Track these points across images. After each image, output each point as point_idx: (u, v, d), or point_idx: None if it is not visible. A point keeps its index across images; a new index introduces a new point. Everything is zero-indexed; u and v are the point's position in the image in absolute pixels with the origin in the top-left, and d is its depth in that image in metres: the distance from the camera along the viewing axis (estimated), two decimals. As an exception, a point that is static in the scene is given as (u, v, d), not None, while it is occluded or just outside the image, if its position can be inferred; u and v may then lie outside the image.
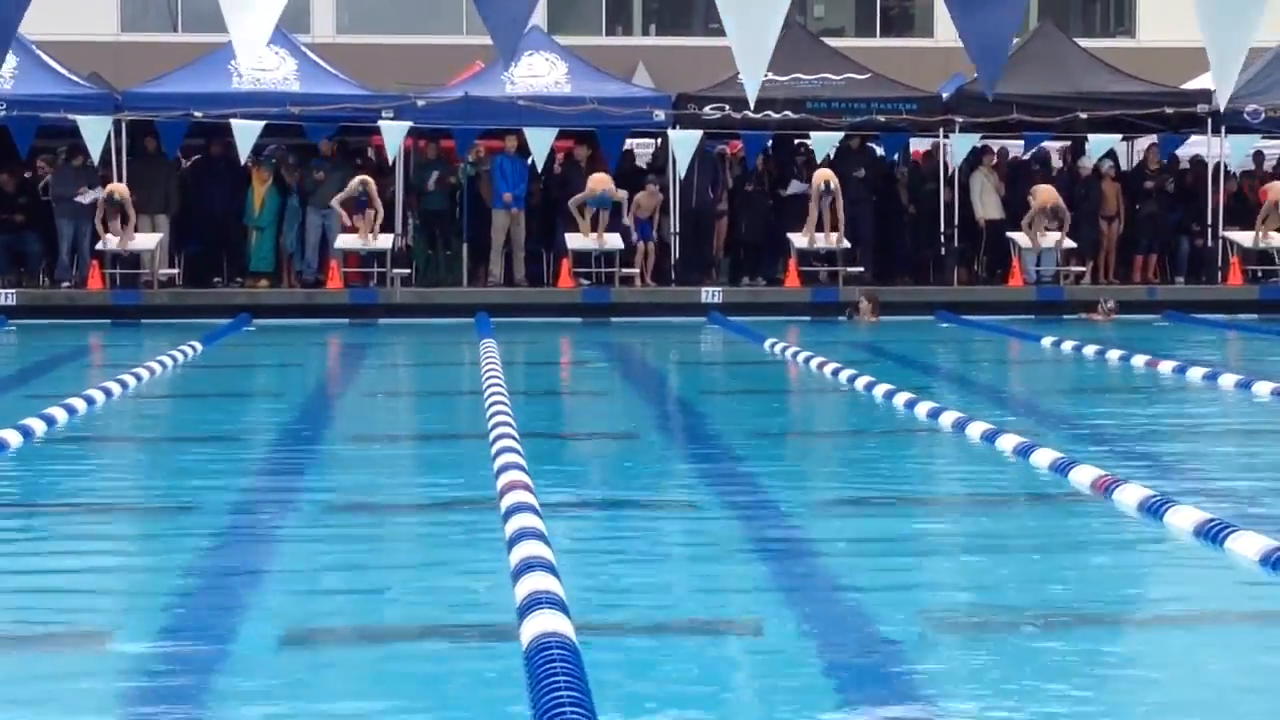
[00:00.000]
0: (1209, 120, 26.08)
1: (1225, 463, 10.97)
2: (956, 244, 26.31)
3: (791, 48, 26.63)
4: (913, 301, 24.63)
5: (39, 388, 15.19)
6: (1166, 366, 16.14)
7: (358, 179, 24.17)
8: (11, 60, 24.47)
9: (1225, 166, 26.71)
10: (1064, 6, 38.06)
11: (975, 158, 26.50)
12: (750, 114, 24.01)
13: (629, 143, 27.55)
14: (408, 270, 25.09)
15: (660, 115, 25.36)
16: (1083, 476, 9.40)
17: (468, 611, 6.70)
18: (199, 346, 18.45)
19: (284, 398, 15.29)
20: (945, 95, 26.47)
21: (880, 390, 13.87)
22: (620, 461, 11.24)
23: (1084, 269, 26.09)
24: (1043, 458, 10.05)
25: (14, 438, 10.96)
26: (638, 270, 25.33)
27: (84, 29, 33.20)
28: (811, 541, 8.18)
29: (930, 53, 34.33)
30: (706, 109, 25.39)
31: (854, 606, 6.77)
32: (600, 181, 24.48)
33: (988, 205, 26.35)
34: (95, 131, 23.89)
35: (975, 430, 11.31)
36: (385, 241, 24.58)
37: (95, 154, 24.05)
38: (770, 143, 26.70)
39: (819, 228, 24.92)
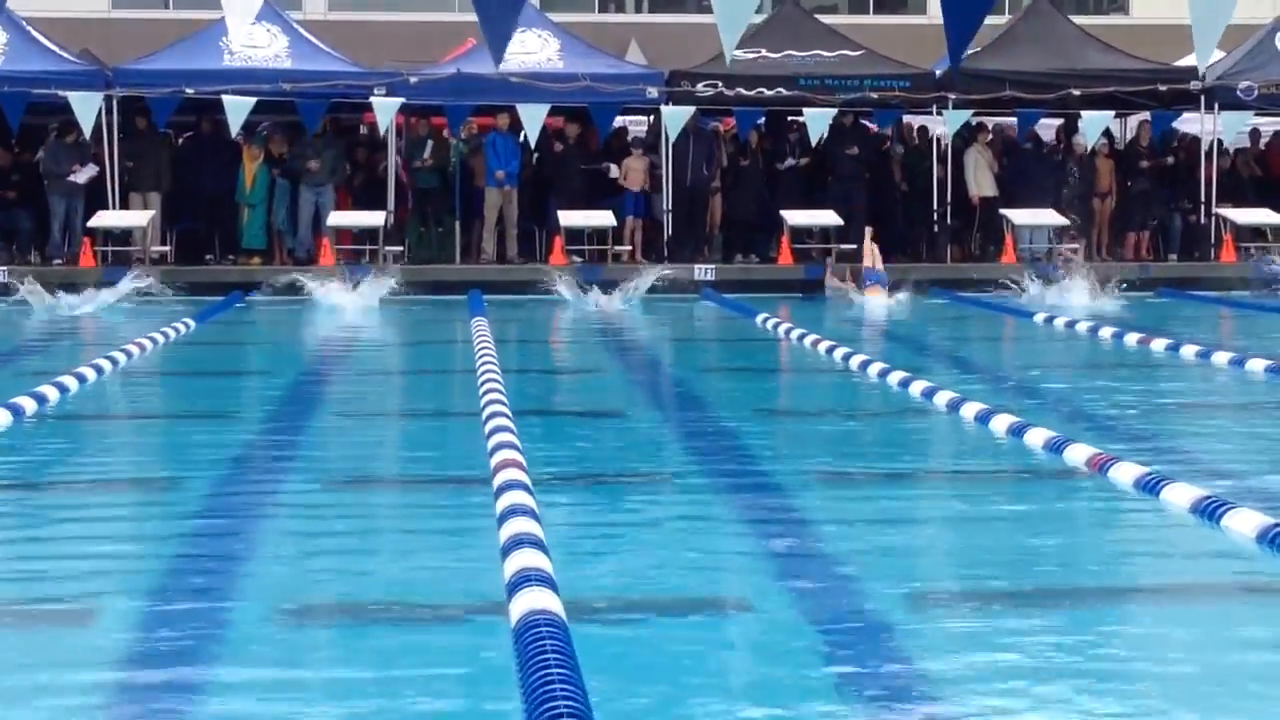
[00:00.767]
0: (1202, 97, 26.06)
1: (1220, 439, 10.96)
2: (950, 221, 26.28)
3: (784, 24, 26.67)
4: (906, 279, 24.57)
5: (30, 365, 15.16)
6: (1159, 344, 16.13)
7: None
8: (2, 36, 24.46)
9: (1219, 143, 26.68)
10: (1057, -17, 38.01)
11: (970, 135, 26.47)
12: (743, 91, 24.02)
13: (620, 119, 27.50)
14: (400, 247, 25.05)
15: (653, 92, 25.30)
16: (1077, 454, 9.38)
17: (458, 588, 6.68)
18: (191, 323, 18.41)
19: (276, 375, 15.26)
20: (938, 72, 26.40)
21: (875, 368, 13.85)
22: (612, 438, 11.21)
23: (1077, 246, 26.07)
24: (1037, 436, 10.03)
25: (5, 416, 10.93)
26: (629, 247, 25.31)
27: (75, 6, 33.09)
28: (803, 517, 8.18)
29: (923, 29, 34.22)
30: (699, 86, 25.34)
31: (845, 582, 6.76)
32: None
33: (981, 182, 26.32)
34: (87, 108, 23.81)
35: (969, 409, 11.29)
36: (377, 218, 24.54)
37: (87, 130, 23.98)
38: (763, 120, 26.65)
39: (815, 205, 24.97)
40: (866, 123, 26.92)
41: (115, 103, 24.37)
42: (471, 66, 25.13)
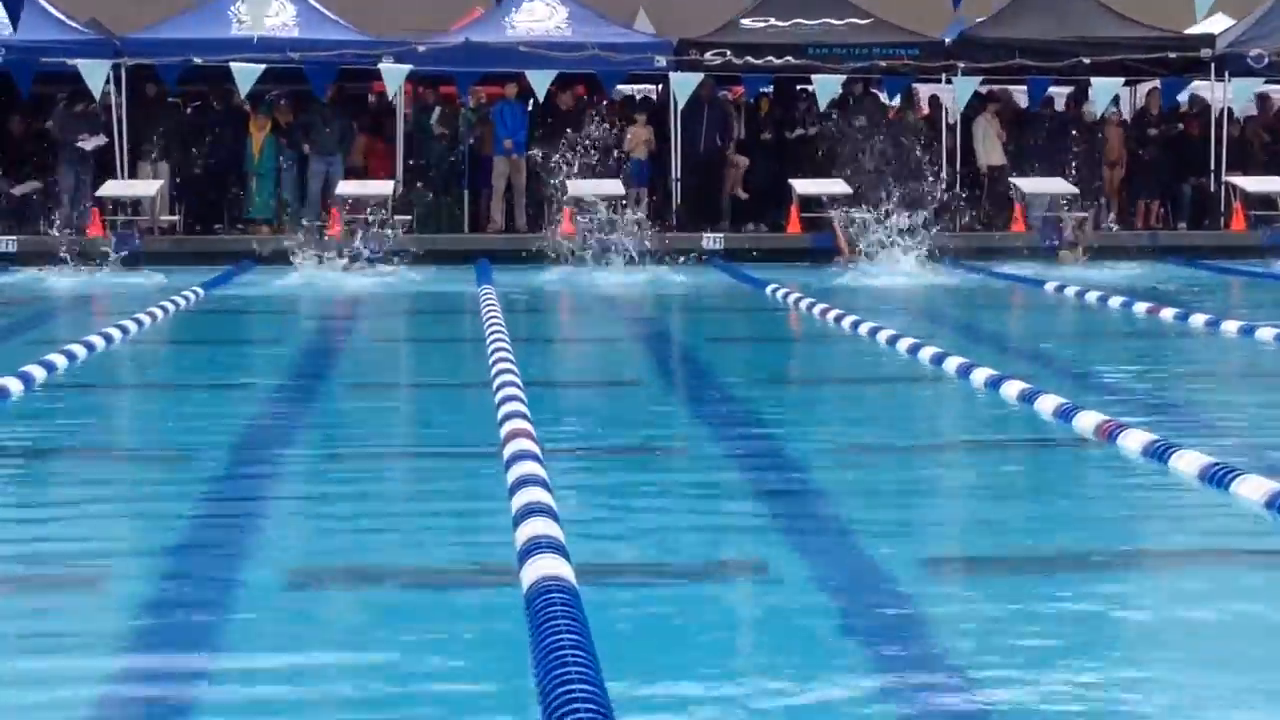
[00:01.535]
0: (1212, 65, 25.99)
1: (1229, 407, 10.95)
2: (958, 189, 26.22)
3: (794, -8, 26.60)
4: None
5: (40, 334, 15.18)
6: (1168, 312, 16.10)
7: None
8: (11, 6, 24.44)
9: (1229, 111, 26.61)
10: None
11: (979, 103, 26.39)
12: (751, 59, 23.96)
13: (628, 88, 27.47)
14: (408, 217, 25.02)
15: (661, 61, 25.25)
16: (1086, 422, 9.37)
17: (469, 557, 6.70)
18: (200, 292, 18.42)
19: (283, 345, 15.27)
20: (947, 40, 26.34)
21: (883, 335, 13.84)
22: (622, 407, 11.21)
23: (1086, 215, 26.01)
24: (1046, 403, 10.02)
25: (15, 384, 10.94)
26: (638, 216, 25.24)
27: (83, -25, 33.00)
28: (814, 486, 8.18)
29: (933, -3, 34.15)
30: (708, 54, 25.28)
31: (856, 551, 6.76)
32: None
33: (990, 151, 26.26)
34: (96, 75, 23.81)
35: (979, 376, 11.28)
36: (385, 188, 24.51)
37: (97, 96, 23.97)
38: (771, 88, 26.59)
39: (820, 174, 24.94)
40: (876, 91, 26.87)
41: (124, 71, 24.36)
42: (480, 35, 25.10)
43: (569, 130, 24.08)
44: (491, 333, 13.84)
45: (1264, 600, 6.12)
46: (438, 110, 25.46)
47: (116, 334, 14.18)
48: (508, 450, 8.28)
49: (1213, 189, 26.44)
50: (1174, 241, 25.31)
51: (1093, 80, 26.19)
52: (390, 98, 25.07)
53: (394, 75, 24.43)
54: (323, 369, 13.24)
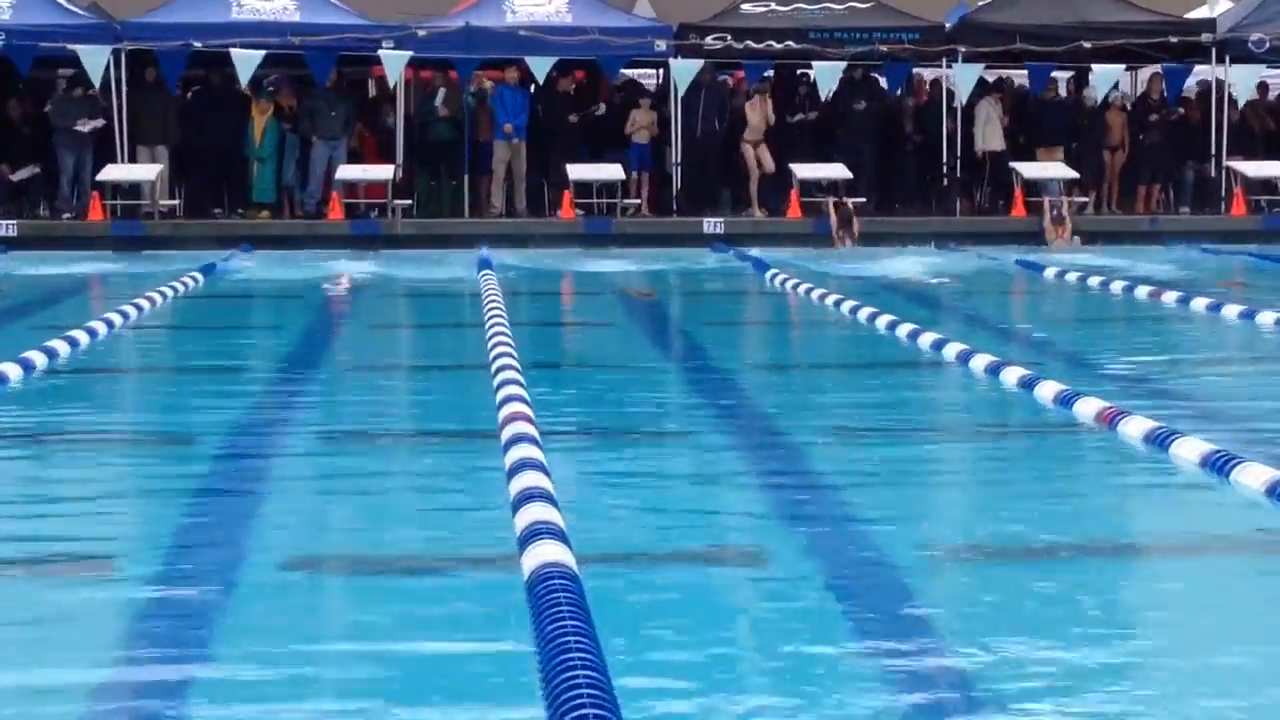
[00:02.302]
0: (1213, 50, 25.95)
1: (1230, 393, 10.94)
2: (959, 174, 26.20)
3: (795, -23, 26.56)
4: (914, 232, 24.55)
5: (40, 320, 15.17)
6: (1170, 297, 16.10)
7: None
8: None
9: (1230, 96, 26.57)
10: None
11: (981, 87, 26.35)
12: (752, 44, 23.92)
13: (629, 72, 27.44)
14: (409, 201, 25.01)
15: (662, 45, 25.22)
16: (1087, 409, 9.36)
17: (469, 541, 6.69)
18: (200, 278, 18.41)
19: (283, 328, 15.27)
20: (948, 25, 26.31)
21: (883, 321, 13.84)
22: (622, 392, 11.20)
23: (1087, 199, 26.00)
24: (1046, 390, 10.01)
25: (15, 370, 10.93)
26: (638, 200, 25.28)
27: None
28: (813, 471, 8.18)
29: (934, -18, 34.10)
30: (708, 39, 25.25)
31: (855, 536, 6.76)
32: None
33: (990, 136, 26.22)
34: (95, 61, 23.78)
35: (979, 362, 11.27)
36: (386, 172, 24.51)
37: (96, 82, 23.96)
38: (772, 74, 26.56)
39: (822, 159, 24.96)
40: (876, 75, 26.84)
41: (124, 56, 24.33)
42: (480, 19, 25.06)
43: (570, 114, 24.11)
44: (491, 316, 13.83)
45: (1264, 586, 6.12)
46: (442, 92, 25.41)
47: (117, 319, 14.17)
48: (506, 433, 8.27)
49: (1213, 174, 26.41)
50: (1174, 226, 25.29)
51: (1094, 65, 26.16)
52: (391, 85, 25.03)
53: (394, 61, 24.41)
54: (322, 352, 13.23)
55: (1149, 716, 4.71)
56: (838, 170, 24.89)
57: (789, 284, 17.66)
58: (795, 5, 25.65)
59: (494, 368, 10.75)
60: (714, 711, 4.70)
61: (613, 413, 10.20)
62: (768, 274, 18.82)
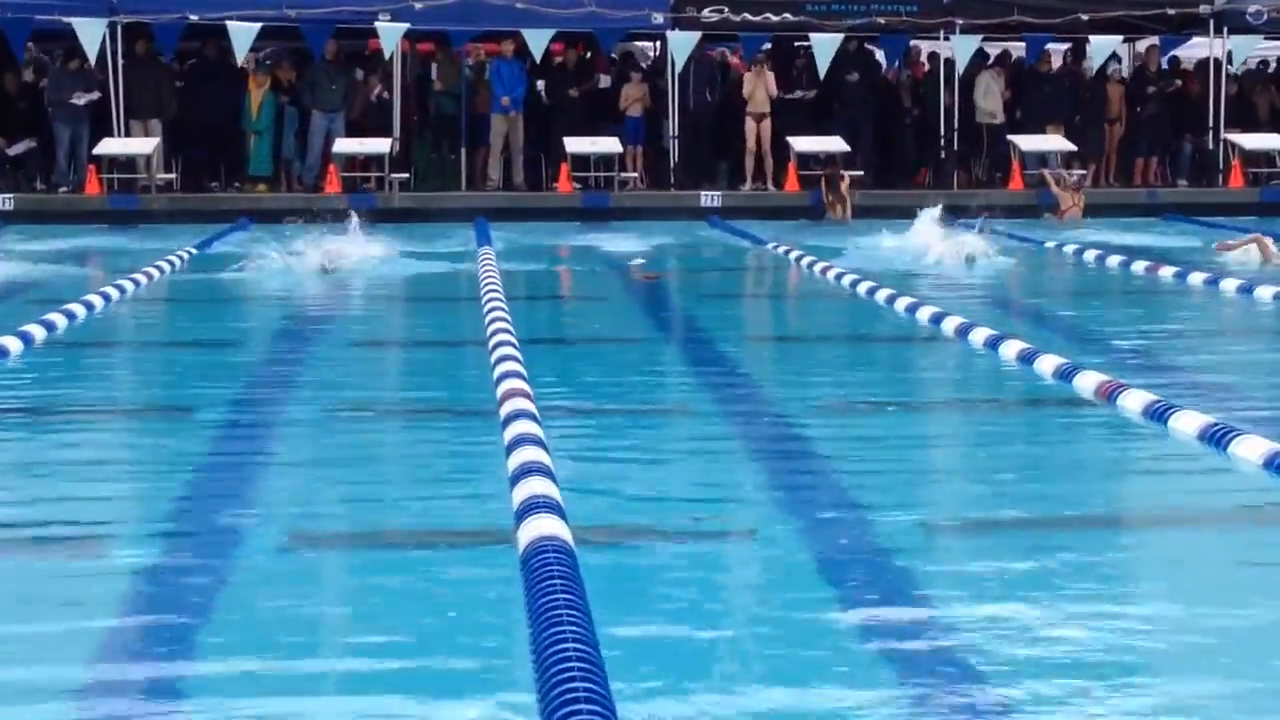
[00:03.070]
0: (1211, 21, 25.91)
1: (1228, 367, 10.94)
2: (956, 147, 26.18)
3: (792, -51, 26.49)
4: (911, 205, 24.46)
5: (38, 293, 15.15)
6: (1167, 270, 16.08)
7: None
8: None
9: (1227, 68, 26.54)
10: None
11: (981, 59, 26.31)
12: (749, 16, 23.86)
13: (625, 45, 27.40)
14: (406, 174, 24.99)
15: (659, 18, 25.18)
16: (1086, 382, 9.36)
17: (465, 515, 6.69)
18: (195, 251, 18.38)
19: (282, 303, 15.23)
20: (946, -3, 26.29)
21: (881, 295, 13.82)
22: (619, 366, 11.19)
23: (1085, 172, 25.98)
24: (1046, 363, 10.00)
25: (14, 344, 10.92)
26: (637, 174, 25.25)
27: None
28: (811, 445, 8.18)
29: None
30: (705, 11, 25.20)
31: (852, 510, 6.75)
32: None
33: (990, 108, 26.17)
34: (91, 34, 23.74)
35: (978, 335, 11.26)
36: (383, 144, 24.48)
37: (91, 56, 23.92)
38: (769, 46, 26.51)
39: (820, 133, 24.93)
40: (871, 48, 26.77)
41: (119, 29, 24.27)
42: (477, -9, 25.02)
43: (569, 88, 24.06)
44: (488, 291, 13.81)
45: (1262, 559, 6.12)
46: (436, 66, 25.37)
47: (114, 293, 14.15)
48: (504, 409, 8.26)
49: (1211, 146, 26.38)
50: (1172, 198, 25.27)
51: (1091, 37, 26.12)
52: (386, 56, 24.98)
53: (390, 34, 24.37)
54: (320, 327, 13.20)
55: (1150, 687, 4.71)
56: (835, 143, 24.86)
57: (789, 256, 17.64)
58: (793, -23, 25.61)
59: (491, 343, 10.73)
60: (709, 688, 4.70)
61: (609, 386, 10.19)
62: (762, 248, 18.80)
